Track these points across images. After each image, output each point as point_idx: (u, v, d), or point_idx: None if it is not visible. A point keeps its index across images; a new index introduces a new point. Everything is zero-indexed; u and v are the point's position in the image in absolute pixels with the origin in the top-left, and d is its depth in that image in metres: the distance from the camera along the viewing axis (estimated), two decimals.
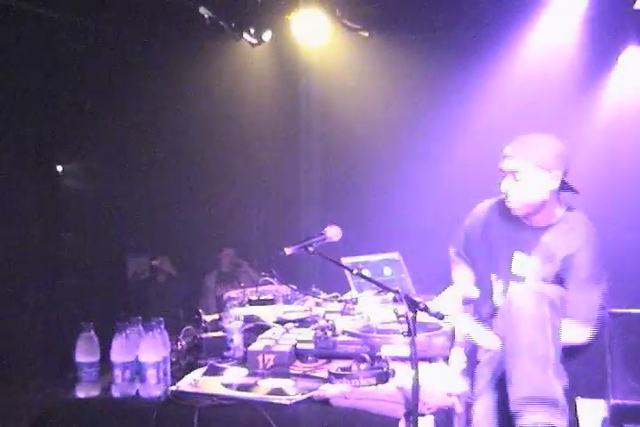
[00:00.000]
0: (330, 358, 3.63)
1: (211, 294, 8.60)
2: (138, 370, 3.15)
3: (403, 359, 3.36)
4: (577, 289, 3.85)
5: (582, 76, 7.49)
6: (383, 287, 3.20)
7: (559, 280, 3.90)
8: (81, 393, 3.16)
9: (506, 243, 4.07)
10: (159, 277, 9.28)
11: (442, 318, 3.08)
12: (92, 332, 3.19)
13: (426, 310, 2.99)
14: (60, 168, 9.56)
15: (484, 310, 4.19)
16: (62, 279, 8.66)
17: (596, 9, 7.00)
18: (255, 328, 3.94)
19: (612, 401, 5.14)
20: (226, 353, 3.69)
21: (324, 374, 3.31)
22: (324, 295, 4.74)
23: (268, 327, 3.97)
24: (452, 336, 3.89)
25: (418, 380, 2.84)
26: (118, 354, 3.15)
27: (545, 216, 3.97)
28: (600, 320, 3.94)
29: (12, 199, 8.08)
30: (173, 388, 3.19)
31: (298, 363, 3.58)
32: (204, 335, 3.79)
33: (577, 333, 3.83)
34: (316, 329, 3.76)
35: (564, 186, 3.94)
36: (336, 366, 3.36)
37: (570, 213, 4.01)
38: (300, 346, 3.66)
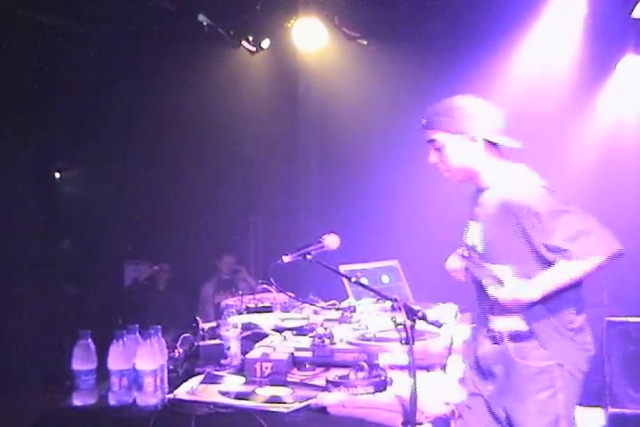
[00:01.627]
0: (327, 366, 3.63)
1: (209, 301, 8.58)
2: (135, 378, 3.15)
3: (401, 368, 3.36)
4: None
5: (581, 84, 7.50)
6: (381, 296, 3.19)
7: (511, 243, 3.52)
8: (78, 401, 3.15)
9: (468, 215, 3.83)
10: (158, 284, 9.27)
11: (440, 326, 3.07)
12: (89, 339, 3.19)
13: (424, 318, 2.99)
14: (58, 175, 9.56)
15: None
16: (60, 286, 8.65)
17: (595, 17, 7.02)
18: (253, 336, 3.94)
19: (611, 410, 5.15)
20: (223, 361, 3.69)
21: (322, 383, 3.30)
22: (321, 303, 4.74)
23: (265, 335, 3.97)
24: (450, 345, 3.88)
25: (416, 388, 2.83)
26: (115, 362, 3.15)
27: (482, 179, 3.67)
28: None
29: (10, 206, 8.07)
30: (170, 396, 3.18)
31: (295, 371, 3.58)
32: (201, 343, 3.78)
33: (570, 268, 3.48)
34: (313, 337, 3.75)
35: (495, 144, 3.65)
36: (334, 374, 3.35)
37: (507, 172, 3.64)
38: (297, 354, 3.65)
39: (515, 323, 3.50)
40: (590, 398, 5.16)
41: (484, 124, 3.59)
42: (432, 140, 3.67)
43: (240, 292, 4.85)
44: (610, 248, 3.45)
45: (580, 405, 4.58)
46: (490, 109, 3.66)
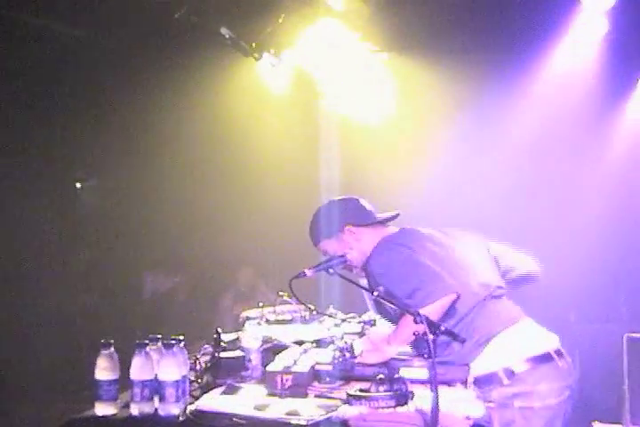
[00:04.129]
0: (348, 379, 3.63)
1: (227, 312, 8.56)
2: (157, 388, 3.15)
3: (421, 382, 3.36)
4: None
5: (602, 100, 7.47)
6: (403, 309, 3.19)
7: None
8: (100, 411, 3.16)
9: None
10: (179, 295, 9.29)
11: (463, 341, 3.06)
12: (112, 349, 3.20)
13: (446, 332, 2.98)
14: (79, 185, 9.60)
15: None
16: (81, 296, 8.69)
17: (616, 33, 7.01)
18: (273, 348, 3.94)
19: (631, 426, 5.11)
20: (244, 373, 3.69)
21: (343, 396, 3.30)
22: (341, 316, 4.73)
23: (286, 347, 3.97)
24: None
25: (437, 402, 2.83)
26: (138, 372, 3.15)
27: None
28: None
29: (30, 216, 8.12)
30: (192, 407, 3.19)
31: (316, 384, 3.58)
32: (222, 355, 3.79)
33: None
34: (334, 350, 3.75)
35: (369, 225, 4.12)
36: (354, 387, 3.35)
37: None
38: (318, 367, 3.66)
39: None
40: (610, 414, 5.16)
41: (353, 214, 4.14)
42: (324, 253, 4.14)
43: (260, 304, 4.84)
44: (443, 292, 3.62)
45: (600, 421, 4.58)
46: (351, 201, 4.22)
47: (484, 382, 3.61)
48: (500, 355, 3.67)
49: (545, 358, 3.68)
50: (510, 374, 3.60)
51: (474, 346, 3.66)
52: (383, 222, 4.16)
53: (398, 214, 4.24)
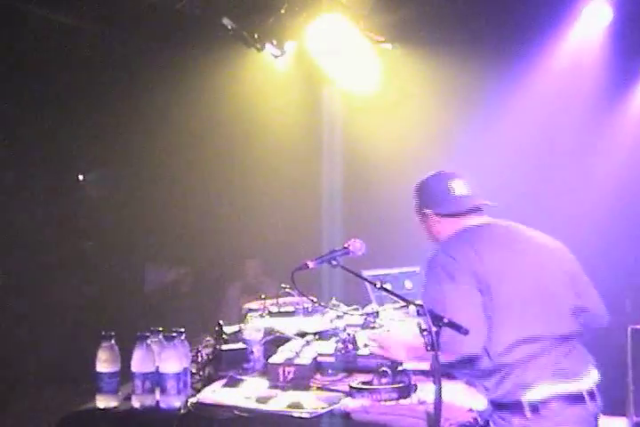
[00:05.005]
0: (351, 371, 3.62)
1: (234, 304, 8.51)
2: (158, 381, 3.15)
3: (425, 374, 3.34)
4: None
5: (607, 89, 7.44)
6: (407, 301, 3.15)
7: None
8: (101, 403, 3.15)
9: None
10: (182, 287, 9.27)
11: (466, 333, 3.02)
12: (113, 342, 3.19)
13: (449, 324, 2.95)
14: (81, 177, 9.58)
15: None
16: (83, 289, 8.67)
17: (621, 22, 6.97)
18: (275, 340, 3.92)
19: (635, 418, 5.10)
20: (246, 365, 3.69)
21: (345, 388, 3.29)
22: (344, 308, 4.72)
23: (288, 340, 3.96)
24: None
25: (440, 395, 2.81)
26: (139, 365, 3.15)
27: None
28: None
29: (33, 208, 8.11)
30: (193, 399, 3.18)
31: (318, 376, 3.57)
32: (224, 347, 3.77)
33: None
34: (337, 342, 3.74)
35: (448, 214, 3.80)
36: (357, 379, 3.34)
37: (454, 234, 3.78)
38: (320, 359, 3.64)
39: None
40: (614, 406, 5.13)
41: (432, 200, 3.84)
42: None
43: (262, 296, 4.83)
44: (455, 356, 3.26)
45: (604, 414, 4.54)
46: (434, 185, 3.89)
47: (504, 407, 3.32)
48: (527, 384, 3.32)
49: (576, 399, 3.33)
50: (535, 409, 3.26)
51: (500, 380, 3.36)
52: (466, 213, 3.77)
53: (490, 205, 3.82)
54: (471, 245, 3.55)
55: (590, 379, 3.42)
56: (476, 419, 3.12)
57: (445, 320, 2.91)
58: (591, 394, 3.36)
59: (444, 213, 3.78)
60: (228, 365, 3.68)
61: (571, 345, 3.47)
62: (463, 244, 3.59)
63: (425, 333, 2.87)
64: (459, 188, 3.80)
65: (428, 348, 2.84)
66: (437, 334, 2.86)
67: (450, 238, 3.71)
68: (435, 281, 3.46)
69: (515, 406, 3.27)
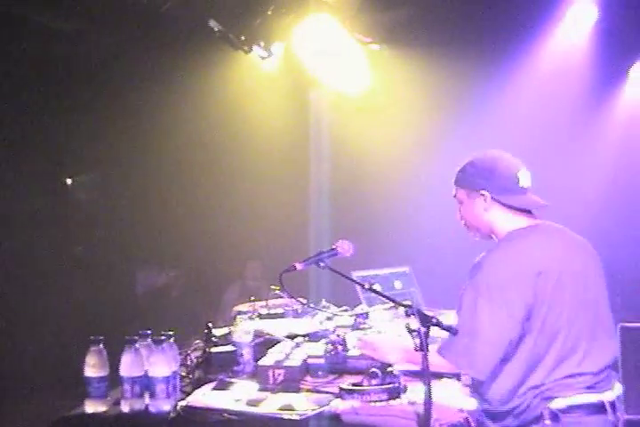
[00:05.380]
0: (341, 373, 3.61)
1: (230, 306, 8.47)
2: (147, 385, 3.14)
3: (414, 375, 3.33)
4: None
5: (594, 89, 7.46)
6: (395, 302, 3.15)
7: None
8: (90, 408, 3.14)
9: None
10: (173, 290, 9.25)
11: (455, 333, 3.02)
12: (102, 346, 3.18)
13: (438, 324, 2.94)
14: (69, 180, 9.56)
15: None
16: (72, 292, 8.64)
17: (607, 21, 6.99)
18: (265, 343, 3.92)
19: (626, 416, 5.09)
20: (236, 368, 3.68)
21: (335, 390, 3.29)
22: (333, 309, 4.72)
23: (278, 342, 3.95)
24: None
25: (430, 395, 2.80)
26: (128, 369, 3.14)
27: (496, 237, 3.57)
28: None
29: (22, 212, 8.08)
30: (183, 403, 3.17)
31: (308, 378, 3.56)
32: (213, 350, 3.77)
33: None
34: (326, 344, 3.73)
35: (506, 205, 3.50)
36: (347, 381, 3.34)
37: (509, 235, 3.50)
38: (310, 361, 3.64)
39: None
40: None
41: (498, 183, 3.50)
42: (454, 196, 3.66)
43: (252, 298, 4.83)
44: (460, 366, 3.26)
45: None
46: (505, 168, 3.52)
47: (522, 413, 3.26)
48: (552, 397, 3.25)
49: (597, 409, 3.25)
50: (555, 417, 3.19)
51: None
52: (523, 210, 3.53)
53: (545, 206, 3.55)
54: (531, 259, 3.33)
55: (614, 391, 3.35)
56: (466, 419, 3.12)
57: (434, 320, 2.91)
58: (612, 405, 3.28)
59: (508, 204, 3.50)
60: (217, 367, 3.68)
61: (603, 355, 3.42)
62: (522, 255, 3.36)
63: (414, 333, 2.87)
64: (524, 178, 3.52)
65: (417, 348, 2.84)
66: (426, 334, 2.86)
67: (506, 242, 3.46)
68: (473, 291, 3.28)
69: (534, 415, 3.23)
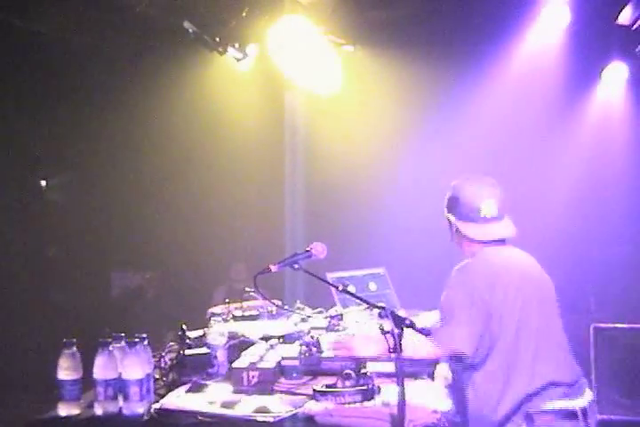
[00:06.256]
0: (315, 374, 3.62)
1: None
2: (121, 387, 3.13)
3: (388, 376, 3.34)
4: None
5: (566, 91, 7.50)
6: (369, 304, 3.18)
7: None
8: (63, 411, 3.13)
9: None
10: (148, 292, 9.21)
11: (428, 334, 3.05)
12: (75, 349, 3.16)
13: (412, 326, 2.97)
14: (44, 182, 9.51)
15: None
16: (46, 294, 8.60)
17: (580, 23, 7.01)
18: (239, 345, 3.91)
19: (599, 416, 5.13)
20: (210, 370, 3.67)
21: (310, 391, 3.29)
22: (308, 311, 4.72)
23: (252, 344, 3.95)
24: None
25: (404, 396, 2.82)
26: (101, 371, 3.12)
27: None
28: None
29: None
30: (157, 405, 3.16)
31: (283, 380, 3.56)
32: (187, 352, 3.75)
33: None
34: (301, 345, 3.73)
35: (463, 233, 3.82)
36: (321, 383, 3.34)
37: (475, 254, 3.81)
38: (284, 362, 3.64)
39: None
40: None
41: (457, 211, 3.82)
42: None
43: (226, 300, 4.81)
44: (445, 350, 3.48)
45: None
46: (468, 197, 3.79)
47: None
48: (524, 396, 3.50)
49: (570, 415, 3.47)
50: (530, 419, 3.44)
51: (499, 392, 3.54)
52: (485, 242, 3.78)
53: (501, 240, 3.81)
54: (486, 278, 3.61)
55: (585, 398, 3.56)
56: (440, 420, 3.13)
57: (408, 322, 2.93)
58: (584, 412, 3.48)
59: (464, 233, 3.78)
60: (191, 370, 3.66)
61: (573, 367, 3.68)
62: (480, 274, 3.64)
63: (387, 335, 2.89)
64: (488, 209, 3.76)
65: (391, 350, 2.86)
66: (400, 336, 2.88)
67: (472, 263, 3.73)
68: (453, 291, 3.60)
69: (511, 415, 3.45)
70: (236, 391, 3.39)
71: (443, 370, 3.71)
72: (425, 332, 3.04)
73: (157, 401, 3.22)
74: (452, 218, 3.82)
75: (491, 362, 3.51)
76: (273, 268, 3.47)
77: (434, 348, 3.42)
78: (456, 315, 3.49)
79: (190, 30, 6.79)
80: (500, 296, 3.55)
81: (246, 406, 3.15)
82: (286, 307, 4.58)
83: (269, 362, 3.53)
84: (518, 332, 3.53)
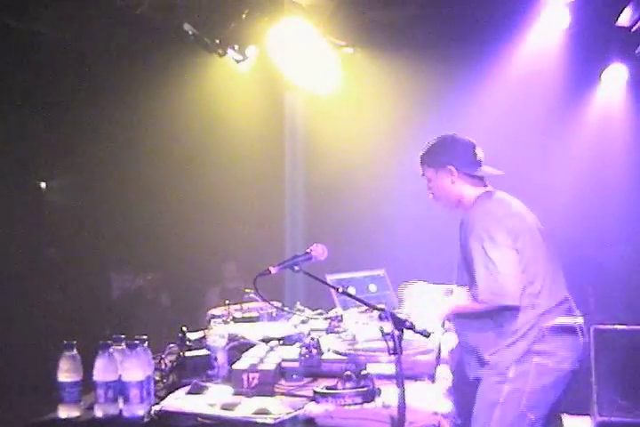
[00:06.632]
0: (315, 376, 3.61)
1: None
2: (121, 389, 3.12)
3: (388, 378, 3.34)
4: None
5: (566, 93, 7.50)
6: (369, 306, 3.19)
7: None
8: (63, 413, 3.12)
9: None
10: (148, 294, 9.21)
11: (428, 335, 3.06)
12: (75, 351, 3.15)
13: (412, 328, 2.97)
14: (43, 184, 9.52)
15: None
16: (46, 296, 8.60)
17: (580, 25, 7.01)
18: (240, 346, 3.91)
19: (598, 418, 5.13)
20: (210, 372, 3.66)
21: (310, 393, 3.29)
22: (308, 313, 4.72)
23: (252, 345, 3.94)
24: (438, 354, 3.88)
25: (404, 398, 2.82)
26: (101, 373, 3.12)
27: (463, 206, 4.25)
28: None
29: None
30: (157, 407, 3.15)
31: (283, 382, 3.56)
32: (187, 354, 3.74)
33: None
34: (301, 347, 3.73)
35: (470, 175, 4.22)
36: (321, 384, 3.34)
37: (479, 198, 4.20)
38: (285, 364, 3.64)
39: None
40: (578, 406, 5.17)
41: (459, 158, 4.23)
42: (423, 174, 4.34)
43: (226, 302, 4.81)
44: (500, 301, 3.91)
45: (568, 413, 4.60)
46: (464, 145, 4.29)
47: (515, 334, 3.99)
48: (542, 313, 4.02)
49: (570, 330, 4.03)
50: (541, 334, 3.98)
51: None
52: (483, 179, 4.29)
53: (501, 174, 4.32)
54: (504, 207, 4.13)
55: (580, 317, 4.15)
56: (440, 422, 3.13)
57: (407, 323, 2.94)
58: (581, 329, 4.10)
59: (472, 174, 4.22)
60: (191, 372, 3.65)
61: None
62: (497, 205, 4.14)
63: (387, 337, 2.89)
64: (480, 152, 4.29)
65: (391, 352, 2.86)
66: (400, 337, 2.88)
67: (482, 201, 4.16)
68: (477, 241, 3.96)
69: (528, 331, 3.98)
70: (236, 393, 3.38)
71: (443, 372, 3.72)
72: (424, 334, 3.05)
73: (157, 403, 3.22)
74: (452, 168, 4.19)
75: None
76: (273, 270, 3.49)
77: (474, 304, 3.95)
78: (499, 267, 3.88)
79: (190, 32, 6.79)
80: (524, 227, 4.08)
81: (246, 407, 3.14)
82: (286, 309, 4.57)
83: (270, 364, 3.52)
84: (537, 255, 4.05)
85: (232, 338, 3.92)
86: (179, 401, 3.27)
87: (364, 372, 3.36)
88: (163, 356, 3.75)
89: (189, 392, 3.41)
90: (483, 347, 4.04)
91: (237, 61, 7.26)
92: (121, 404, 3.13)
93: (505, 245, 3.93)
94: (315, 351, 3.68)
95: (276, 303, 4.50)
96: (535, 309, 3.97)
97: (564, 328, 4.02)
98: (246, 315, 4.64)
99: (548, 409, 4.05)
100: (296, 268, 3.49)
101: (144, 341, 3.22)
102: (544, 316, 3.99)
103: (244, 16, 6.85)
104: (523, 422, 3.95)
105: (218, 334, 3.79)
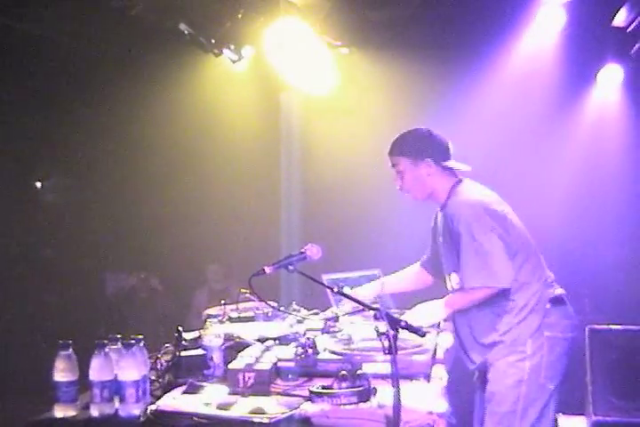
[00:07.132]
0: (311, 376, 3.62)
1: (199, 311, 8.45)
2: (117, 389, 3.12)
3: (384, 377, 3.35)
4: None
5: (562, 93, 7.50)
6: (364, 305, 3.20)
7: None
8: (59, 413, 3.12)
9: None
10: (142, 292, 9.21)
11: (423, 335, 3.07)
12: (71, 350, 3.16)
13: (407, 327, 2.98)
14: (39, 184, 9.51)
15: None
16: (41, 295, 8.60)
17: (575, 26, 7.02)
18: (235, 346, 3.91)
19: (594, 418, 5.13)
20: (206, 371, 3.66)
21: (305, 393, 3.29)
22: (304, 313, 4.72)
23: (248, 345, 3.94)
24: (434, 354, 3.88)
25: (399, 398, 2.82)
26: (97, 373, 3.12)
27: (436, 198, 4.38)
28: None
29: None
30: (153, 407, 3.15)
31: (279, 381, 3.56)
32: (183, 353, 3.75)
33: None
34: (296, 347, 3.74)
35: (444, 168, 4.33)
36: (317, 384, 3.34)
37: (456, 188, 4.32)
38: (280, 364, 3.64)
39: None
40: (573, 406, 5.18)
41: (437, 151, 4.32)
42: (394, 165, 4.40)
43: (222, 301, 4.81)
44: (492, 283, 4.07)
45: (563, 413, 4.61)
46: (439, 139, 4.37)
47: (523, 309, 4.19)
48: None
49: (561, 300, 4.29)
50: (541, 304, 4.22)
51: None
52: (455, 172, 4.40)
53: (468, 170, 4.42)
54: (484, 194, 4.29)
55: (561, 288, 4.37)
56: (435, 421, 3.13)
57: (403, 323, 2.95)
58: (567, 297, 4.36)
59: (447, 167, 4.33)
60: (187, 371, 3.66)
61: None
62: (478, 192, 4.29)
63: (383, 336, 2.90)
64: (452, 147, 4.39)
65: (386, 351, 2.87)
66: (395, 337, 2.89)
67: (462, 189, 4.29)
68: (465, 227, 4.08)
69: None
70: (232, 393, 3.38)
71: (439, 372, 3.72)
72: (420, 333, 3.06)
73: (153, 403, 3.22)
74: (430, 161, 4.27)
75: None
76: (267, 269, 3.50)
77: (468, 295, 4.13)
78: (490, 253, 4.03)
79: (186, 32, 6.79)
80: (505, 209, 4.26)
81: (242, 407, 3.15)
82: (282, 308, 4.58)
83: (265, 363, 3.53)
84: (523, 234, 4.27)
85: (228, 338, 3.92)
86: (175, 401, 3.27)
87: (359, 372, 3.37)
88: (159, 355, 3.75)
89: (185, 392, 3.41)
90: (491, 328, 4.20)
91: (233, 61, 7.27)
92: (117, 403, 3.13)
93: (492, 228, 4.06)
94: (310, 351, 3.69)
95: (271, 303, 4.50)
96: (538, 282, 4.21)
97: (557, 299, 4.27)
98: (242, 315, 4.64)
99: (563, 376, 4.24)
100: (290, 267, 3.51)
101: (140, 340, 3.22)
102: (545, 289, 4.22)
103: (239, 16, 6.86)
104: (545, 394, 4.16)
105: (214, 334, 3.79)
